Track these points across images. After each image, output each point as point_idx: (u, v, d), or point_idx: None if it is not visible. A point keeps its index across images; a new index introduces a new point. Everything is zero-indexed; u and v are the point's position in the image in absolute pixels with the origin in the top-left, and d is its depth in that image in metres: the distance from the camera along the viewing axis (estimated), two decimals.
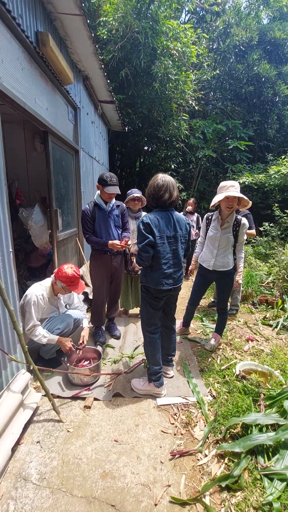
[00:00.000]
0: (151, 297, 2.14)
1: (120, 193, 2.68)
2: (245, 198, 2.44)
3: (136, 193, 3.20)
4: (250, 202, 2.49)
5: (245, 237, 2.81)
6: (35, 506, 1.42)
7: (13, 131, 4.17)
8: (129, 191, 3.25)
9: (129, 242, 2.71)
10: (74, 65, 3.78)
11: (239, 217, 2.67)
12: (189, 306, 3.14)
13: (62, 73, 2.97)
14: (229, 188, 2.43)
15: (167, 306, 2.34)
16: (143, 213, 3.42)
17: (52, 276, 2.48)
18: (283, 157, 7.27)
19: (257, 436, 1.73)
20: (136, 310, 3.78)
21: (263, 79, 7.97)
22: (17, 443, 1.75)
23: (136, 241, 2.09)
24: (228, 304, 3.28)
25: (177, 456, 1.73)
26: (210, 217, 2.80)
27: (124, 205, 2.97)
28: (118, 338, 3.11)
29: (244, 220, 2.67)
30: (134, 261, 2.20)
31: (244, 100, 8.41)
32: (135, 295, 3.55)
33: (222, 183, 2.52)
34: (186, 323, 3.23)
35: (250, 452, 1.70)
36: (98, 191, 2.75)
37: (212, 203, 2.52)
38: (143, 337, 2.28)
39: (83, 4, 2.66)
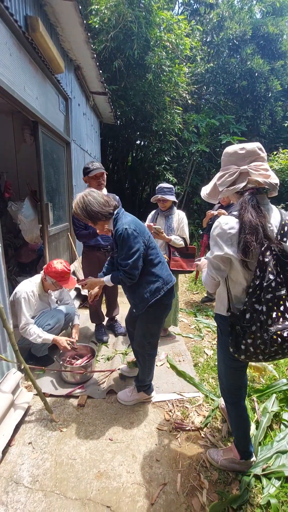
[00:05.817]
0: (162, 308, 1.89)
1: (105, 171, 2.59)
2: None
3: (161, 193, 2.63)
4: None
5: None
6: (27, 511, 1.37)
7: (1, 122, 4.02)
8: (158, 186, 2.73)
9: (156, 227, 2.56)
10: (65, 53, 3.66)
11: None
12: (229, 410, 1.55)
13: (53, 61, 2.86)
14: (259, 159, 1.20)
15: None
16: (176, 210, 2.80)
17: (42, 272, 2.41)
18: (275, 153, 7.29)
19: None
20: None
21: (256, 74, 7.93)
22: (8, 444, 1.69)
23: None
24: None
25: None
26: None
27: (117, 197, 2.76)
28: (124, 335, 3.04)
29: None
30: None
31: (237, 95, 8.36)
32: None
33: (244, 146, 1.20)
34: (245, 453, 1.55)
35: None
36: (87, 185, 2.66)
37: (222, 189, 1.25)
38: (144, 354, 1.95)
39: None
